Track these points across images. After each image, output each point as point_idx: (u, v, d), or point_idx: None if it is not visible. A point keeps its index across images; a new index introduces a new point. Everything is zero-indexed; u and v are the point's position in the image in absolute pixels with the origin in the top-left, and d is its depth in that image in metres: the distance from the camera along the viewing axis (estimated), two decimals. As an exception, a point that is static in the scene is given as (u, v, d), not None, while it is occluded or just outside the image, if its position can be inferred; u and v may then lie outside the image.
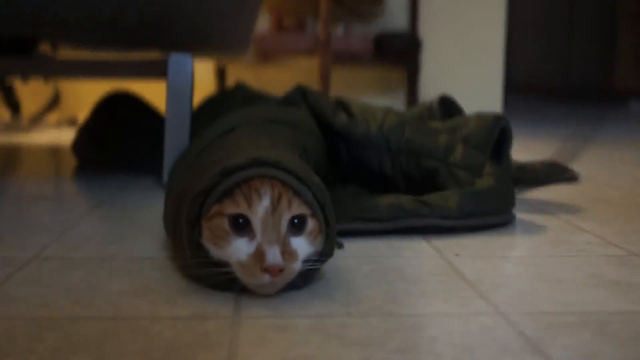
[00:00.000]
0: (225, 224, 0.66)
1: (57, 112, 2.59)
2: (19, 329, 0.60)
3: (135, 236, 0.93)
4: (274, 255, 0.64)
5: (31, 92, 2.60)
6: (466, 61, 2.72)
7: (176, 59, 1.23)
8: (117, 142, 1.53)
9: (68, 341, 0.57)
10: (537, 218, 1.06)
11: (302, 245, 0.68)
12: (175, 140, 1.23)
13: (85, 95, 2.60)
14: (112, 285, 0.72)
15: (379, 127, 1.09)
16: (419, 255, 0.84)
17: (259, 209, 0.66)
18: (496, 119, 1.15)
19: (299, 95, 1.18)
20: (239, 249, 0.66)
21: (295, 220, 0.67)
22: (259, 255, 0.65)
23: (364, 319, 0.63)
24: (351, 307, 0.66)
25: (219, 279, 0.68)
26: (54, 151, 1.80)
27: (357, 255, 0.84)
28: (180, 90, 1.23)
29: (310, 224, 0.69)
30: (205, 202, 0.68)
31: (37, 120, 2.46)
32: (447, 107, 1.29)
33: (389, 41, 2.55)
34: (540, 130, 2.50)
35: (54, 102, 2.59)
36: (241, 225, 0.66)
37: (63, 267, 0.78)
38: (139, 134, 1.53)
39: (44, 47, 1.56)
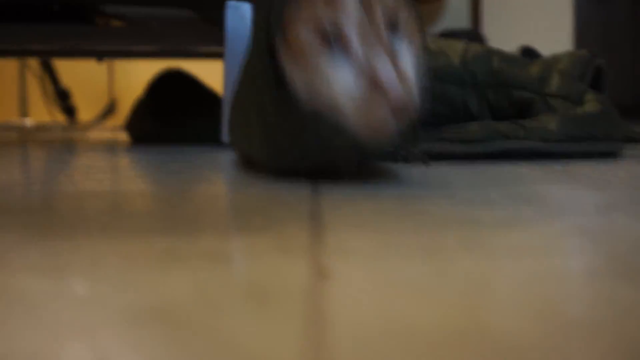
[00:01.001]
0: (307, 34, 0.48)
1: (113, 120, 2.55)
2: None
3: (201, 165, 0.84)
4: (389, 73, 0.45)
5: (88, 100, 2.57)
6: (533, 60, 2.59)
7: (234, 6, 1.14)
8: (172, 120, 1.46)
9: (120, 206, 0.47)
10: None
11: (408, 55, 0.48)
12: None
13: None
14: (170, 177, 0.62)
15: (461, 58, 0.97)
16: (521, 167, 0.72)
17: (349, 8, 0.47)
18: (591, 54, 1.03)
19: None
20: (340, 72, 0.47)
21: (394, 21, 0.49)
22: (373, 82, 0.45)
23: (483, 190, 0.51)
24: (460, 190, 0.54)
25: (310, 137, 0.50)
26: (110, 141, 1.74)
27: (447, 165, 0.72)
28: (238, 40, 1.14)
29: (405, 20, 0.50)
30: (281, 13, 0.50)
31: (92, 126, 2.42)
32: (530, 57, 1.17)
33: (451, 38, 2.44)
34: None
35: (110, 110, 2.55)
36: (331, 39, 0.47)
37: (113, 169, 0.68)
38: (193, 111, 1.46)
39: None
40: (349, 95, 0.46)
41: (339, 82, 0.46)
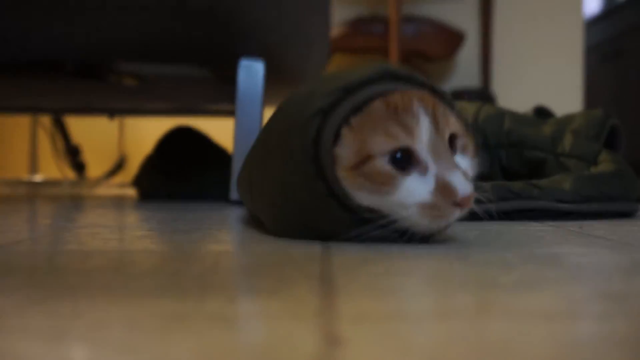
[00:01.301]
0: (384, 165, 0.50)
1: (122, 176, 2.55)
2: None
3: (209, 222, 0.83)
4: (463, 184, 0.49)
5: (98, 156, 2.58)
6: (543, 119, 2.59)
7: (247, 64, 1.15)
8: (181, 176, 1.46)
9: (137, 266, 0.46)
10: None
11: (467, 165, 0.54)
12: (243, 151, 1.14)
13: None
14: (177, 236, 0.61)
15: (473, 119, 0.97)
16: (535, 227, 0.70)
17: (423, 133, 0.50)
18: (606, 113, 1.02)
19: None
20: (414, 189, 0.50)
21: (453, 140, 0.53)
22: (444, 188, 0.49)
23: (498, 250, 0.50)
24: (474, 251, 0.53)
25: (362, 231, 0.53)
26: (119, 197, 1.74)
27: (459, 225, 0.70)
28: (250, 98, 1.15)
29: (462, 139, 0.54)
30: (324, 125, 0.52)
31: (101, 182, 2.43)
32: (543, 116, 1.17)
33: (461, 97, 2.45)
34: None
35: (119, 166, 2.56)
36: (402, 161, 0.50)
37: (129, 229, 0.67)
38: (202, 168, 1.46)
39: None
40: (419, 201, 0.50)
41: (415, 195, 0.50)
